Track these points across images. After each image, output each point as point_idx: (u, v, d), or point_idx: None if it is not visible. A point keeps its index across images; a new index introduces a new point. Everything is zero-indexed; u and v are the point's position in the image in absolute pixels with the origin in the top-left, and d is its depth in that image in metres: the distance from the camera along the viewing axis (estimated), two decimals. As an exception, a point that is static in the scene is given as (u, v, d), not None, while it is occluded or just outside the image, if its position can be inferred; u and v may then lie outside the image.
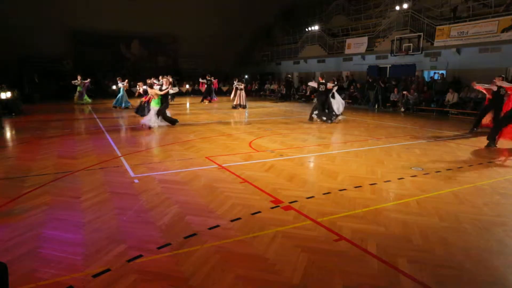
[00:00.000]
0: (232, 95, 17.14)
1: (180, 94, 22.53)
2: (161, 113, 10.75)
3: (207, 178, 5.55)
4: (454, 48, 14.99)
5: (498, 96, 8.43)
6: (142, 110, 12.65)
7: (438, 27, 15.60)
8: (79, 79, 18.00)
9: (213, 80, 20.22)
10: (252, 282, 2.82)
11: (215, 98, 20.24)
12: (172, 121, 11.16)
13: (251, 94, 25.67)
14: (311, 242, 3.47)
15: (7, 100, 13.57)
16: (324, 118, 11.86)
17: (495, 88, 8.15)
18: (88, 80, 18.75)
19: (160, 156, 7.09)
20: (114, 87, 19.88)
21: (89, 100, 18.77)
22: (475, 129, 9.79)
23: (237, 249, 3.34)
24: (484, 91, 8.99)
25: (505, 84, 8.28)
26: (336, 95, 12.23)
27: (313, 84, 13.05)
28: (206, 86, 20.03)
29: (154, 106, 10.66)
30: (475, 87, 9.20)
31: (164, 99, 10.82)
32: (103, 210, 4.27)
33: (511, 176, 5.73)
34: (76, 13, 24.62)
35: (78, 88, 18.27)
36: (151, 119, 10.65)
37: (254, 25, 31.26)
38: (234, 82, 17.12)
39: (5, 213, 4.18)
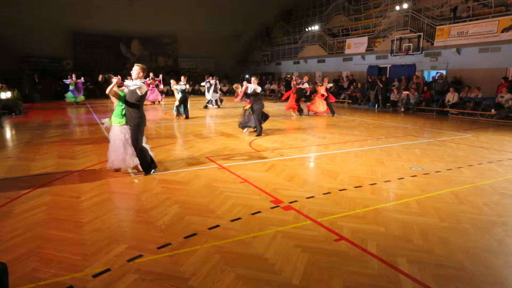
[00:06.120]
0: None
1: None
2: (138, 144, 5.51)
3: (207, 178, 5.55)
4: (454, 48, 14.99)
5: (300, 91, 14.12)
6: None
7: (438, 27, 15.59)
8: (74, 78, 18.00)
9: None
10: (252, 282, 2.82)
11: None
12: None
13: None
14: (311, 242, 3.47)
15: (7, 100, 13.58)
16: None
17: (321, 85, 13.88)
18: (82, 79, 18.81)
19: (160, 156, 7.08)
20: (68, 81, 18.10)
21: (83, 98, 18.89)
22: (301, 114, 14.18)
23: (237, 249, 3.34)
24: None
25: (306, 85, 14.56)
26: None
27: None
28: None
29: (116, 124, 5.71)
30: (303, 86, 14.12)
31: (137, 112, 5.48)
32: (103, 210, 4.27)
33: (511, 176, 5.73)
34: (76, 13, 24.65)
35: (71, 87, 18.11)
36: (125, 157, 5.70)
37: (254, 25, 31.29)
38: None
39: (5, 213, 4.18)
